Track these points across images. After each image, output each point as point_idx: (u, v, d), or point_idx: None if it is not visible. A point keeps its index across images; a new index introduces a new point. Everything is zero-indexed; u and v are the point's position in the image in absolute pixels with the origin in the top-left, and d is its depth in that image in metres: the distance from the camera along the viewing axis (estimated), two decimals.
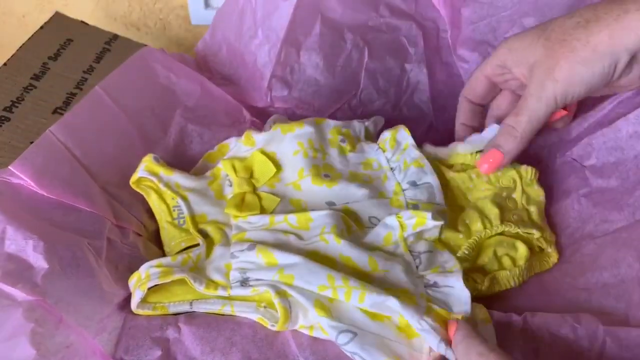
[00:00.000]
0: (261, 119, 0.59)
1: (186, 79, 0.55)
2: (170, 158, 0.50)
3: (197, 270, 0.41)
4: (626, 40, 0.38)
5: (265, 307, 0.39)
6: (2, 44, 0.88)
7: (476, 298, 0.40)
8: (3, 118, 0.51)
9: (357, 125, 0.53)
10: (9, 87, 0.54)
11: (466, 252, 0.44)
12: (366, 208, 0.46)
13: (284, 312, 0.37)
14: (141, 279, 0.39)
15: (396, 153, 0.49)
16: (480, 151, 0.48)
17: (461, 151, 0.50)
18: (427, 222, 0.42)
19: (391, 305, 0.36)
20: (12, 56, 0.58)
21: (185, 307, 0.40)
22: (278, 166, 0.48)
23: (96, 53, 0.62)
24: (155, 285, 0.40)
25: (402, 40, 0.61)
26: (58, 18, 0.65)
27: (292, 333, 0.38)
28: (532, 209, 0.48)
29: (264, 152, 0.49)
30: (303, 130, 0.49)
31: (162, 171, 0.47)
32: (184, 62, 0.59)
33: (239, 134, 0.52)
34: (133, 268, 0.40)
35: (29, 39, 0.61)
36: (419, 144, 0.50)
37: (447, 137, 0.53)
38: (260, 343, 0.37)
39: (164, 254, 0.46)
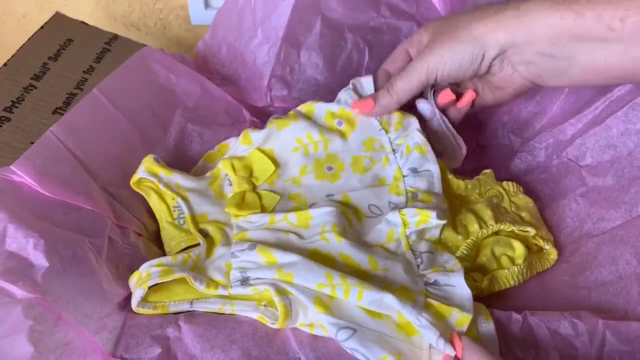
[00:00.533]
0: (261, 118, 0.59)
1: (186, 79, 0.55)
2: (170, 158, 0.50)
3: (198, 270, 0.41)
4: (498, 35, 0.43)
5: (265, 305, 0.39)
6: (2, 44, 0.88)
7: (476, 298, 0.40)
8: (3, 118, 0.51)
9: (345, 96, 0.51)
10: (9, 87, 0.54)
11: (465, 252, 0.45)
12: (365, 197, 0.46)
13: (284, 310, 0.37)
14: (142, 278, 0.39)
15: (400, 136, 0.49)
16: None
17: None
18: (430, 221, 0.42)
19: (389, 302, 0.36)
20: (12, 56, 0.58)
21: (186, 307, 0.40)
22: (276, 163, 0.48)
23: (96, 53, 0.61)
24: (156, 285, 0.40)
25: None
26: (58, 18, 0.65)
27: (292, 330, 0.38)
28: (524, 214, 0.49)
29: (261, 150, 0.49)
30: (298, 124, 0.49)
31: (162, 172, 0.47)
32: (184, 62, 0.59)
33: (239, 134, 0.52)
34: (133, 268, 0.41)
35: (29, 39, 0.61)
36: None
37: None
38: (261, 340, 0.37)
39: (164, 254, 0.46)
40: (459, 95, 0.50)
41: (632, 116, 0.46)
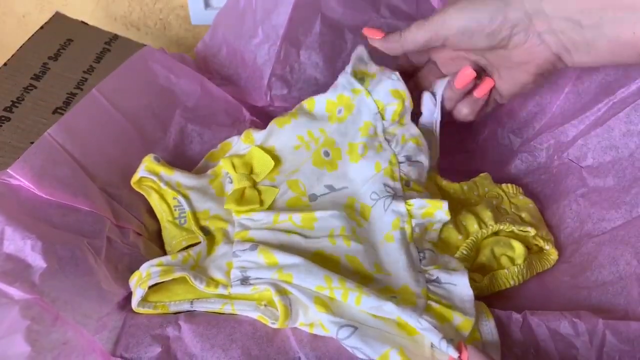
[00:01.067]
0: (261, 118, 0.59)
1: (186, 79, 0.55)
2: (170, 158, 0.50)
3: (198, 269, 0.41)
4: None
5: (265, 305, 0.39)
6: (2, 44, 0.88)
7: (476, 297, 0.40)
8: (3, 118, 0.51)
9: (344, 81, 0.50)
10: (9, 87, 0.54)
11: (465, 252, 0.45)
12: (365, 188, 0.46)
13: (284, 310, 0.37)
14: (142, 278, 0.39)
15: (394, 125, 0.49)
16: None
17: None
18: (435, 213, 0.43)
19: (388, 309, 0.36)
20: (12, 56, 0.58)
21: (186, 306, 0.40)
22: (277, 159, 0.48)
23: (96, 53, 0.61)
24: (156, 285, 0.40)
25: None
26: (58, 18, 0.65)
27: (292, 330, 0.38)
28: (524, 214, 0.49)
29: (262, 148, 0.49)
30: (299, 120, 0.49)
31: (163, 171, 0.47)
32: (184, 62, 0.59)
33: (239, 134, 0.52)
34: (133, 268, 0.41)
35: (29, 39, 0.61)
36: None
37: (448, 137, 0.53)
38: (261, 340, 0.37)
39: (164, 254, 0.46)
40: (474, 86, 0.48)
41: (634, 117, 0.46)
